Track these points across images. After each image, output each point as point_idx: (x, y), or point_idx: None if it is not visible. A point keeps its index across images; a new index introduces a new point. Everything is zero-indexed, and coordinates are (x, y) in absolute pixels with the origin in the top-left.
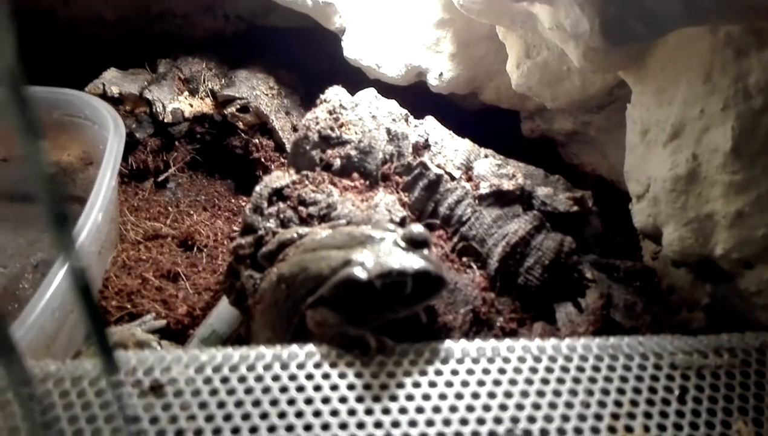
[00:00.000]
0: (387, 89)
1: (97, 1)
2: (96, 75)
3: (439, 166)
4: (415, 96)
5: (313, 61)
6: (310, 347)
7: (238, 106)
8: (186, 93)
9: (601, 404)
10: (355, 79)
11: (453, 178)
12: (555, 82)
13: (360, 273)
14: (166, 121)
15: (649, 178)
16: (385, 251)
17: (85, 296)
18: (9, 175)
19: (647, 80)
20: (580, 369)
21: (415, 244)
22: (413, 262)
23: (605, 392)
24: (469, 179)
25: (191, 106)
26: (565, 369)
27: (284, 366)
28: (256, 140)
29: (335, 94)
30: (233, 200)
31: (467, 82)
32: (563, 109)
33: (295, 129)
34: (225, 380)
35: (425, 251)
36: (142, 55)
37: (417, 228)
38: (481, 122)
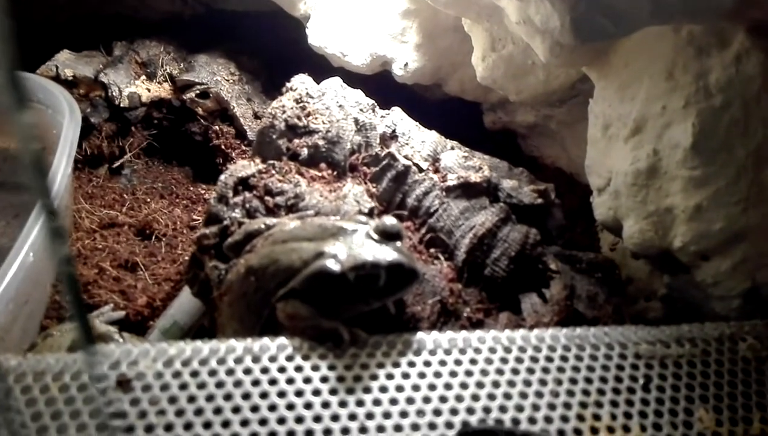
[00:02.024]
0: (351, 78)
1: None
2: (48, 57)
3: (406, 157)
4: (378, 85)
5: (275, 47)
6: (282, 339)
7: (198, 92)
8: (143, 77)
9: (570, 393)
10: (319, 65)
11: (421, 170)
12: (519, 75)
13: (333, 265)
14: (122, 105)
15: (610, 172)
16: (357, 243)
17: (72, 285)
18: None
19: (610, 76)
20: (549, 359)
21: (387, 236)
22: (386, 254)
23: (573, 381)
24: (437, 171)
25: (148, 90)
26: (534, 359)
27: (256, 359)
28: (216, 127)
29: (301, 82)
30: (192, 188)
31: (432, 73)
32: (526, 102)
33: (256, 116)
34: (195, 374)
35: (398, 244)
36: (96, 38)
37: (389, 220)
38: (444, 113)
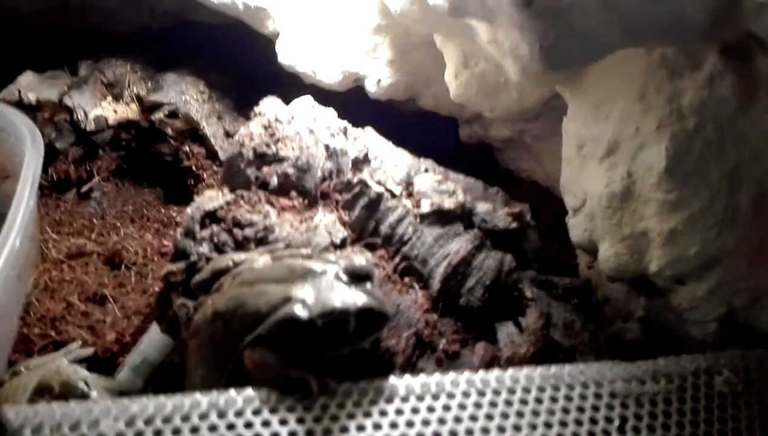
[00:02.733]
0: (324, 94)
1: None
2: (10, 76)
3: (379, 182)
4: (351, 100)
5: (245, 61)
6: (249, 391)
7: (167, 112)
8: (109, 98)
9: None
10: (291, 80)
11: (394, 196)
12: (492, 93)
13: (300, 312)
14: (88, 129)
15: (585, 193)
16: (326, 286)
17: None
18: None
19: (584, 95)
20: (523, 402)
21: (357, 277)
22: (356, 298)
23: (548, 425)
24: (410, 195)
25: (115, 112)
26: (508, 403)
27: (221, 414)
28: (187, 148)
29: (270, 106)
30: (163, 210)
31: (405, 89)
32: (500, 118)
33: (228, 134)
34: (158, 433)
35: (368, 285)
36: (61, 52)
37: (359, 260)
38: (419, 126)
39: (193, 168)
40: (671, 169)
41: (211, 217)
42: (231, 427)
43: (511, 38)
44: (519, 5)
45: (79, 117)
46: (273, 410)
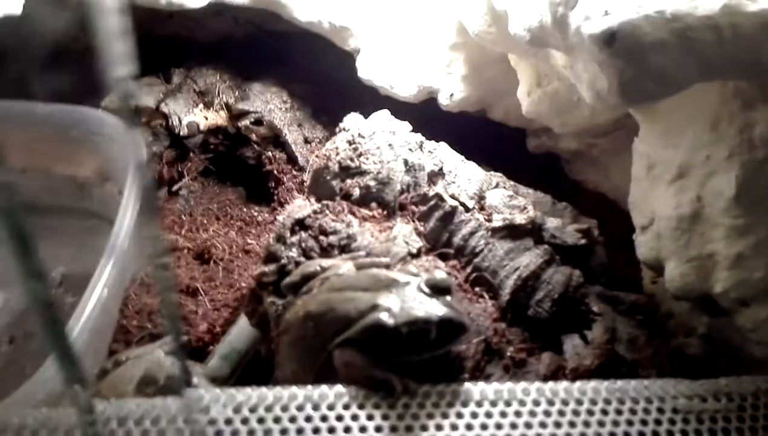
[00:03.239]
0: (397, 104)
1: None
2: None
3: (453, 196)
4: (423, 111)
5: (323, 70)
6: (339, 388)
7: (252, 120)
8: (201, 105)
9: None
10: (366, 90)
11: (467, 210)
12: (564, 111)
13: (387, 319)
14: (181, 134)
15: (653, 213)
16: (410, 296)
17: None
18: (28, 186)
19: (656, 120)
20: (590, 413)
21: (438, 290)
22: (437, 309)
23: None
24: (482, 208)
25: (206, 118)
26: (576, 413)
27: (315, 407)
28: (269, 153)
29: (353, 121)
30: (245, 209)
31: (477, 102)
32: (570, 133)
33: (306, 141)
34: (261, 420)
35: (447, 298)
36: (153, 59)
37: (440, 275)
38: (488, 136)
39: (275, 172)
40: (740, 196)
41: (300, 224)
42: (324, 419)
43: (590, 71)
44: (600, 44)
45: (174, 123)
46: (361, 406)
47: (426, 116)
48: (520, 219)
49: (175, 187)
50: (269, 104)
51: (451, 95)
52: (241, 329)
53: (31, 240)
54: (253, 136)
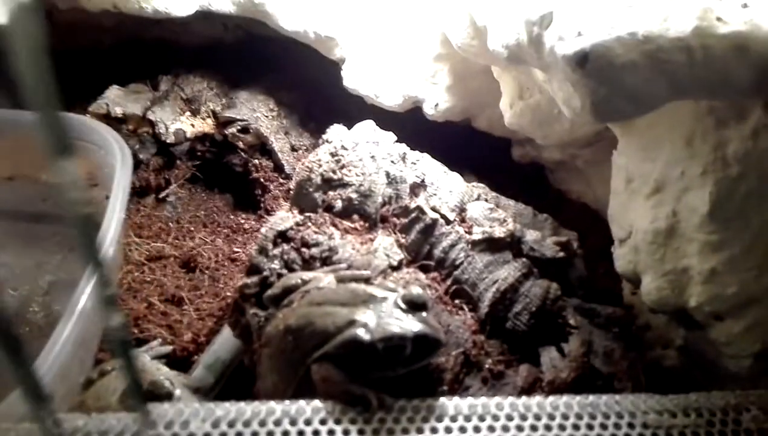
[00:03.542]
0: (382, 113)
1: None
2: (96, 86)
3: (434, 208)
4: (408, 120)
5: (310, 78)
6: (316, 402)
7: (239, 127)
8: (188, 113)
9: None
10: (352, 99)
11: (448, 222)
12: (546, 123)
13: (363, 335)
14: (168, 141)
15: (631, 226)
16: (386, 312)
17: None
18: (15, 194)
19: (633, 135)
20: (562, 427)
21: (414, 305)
22: (413, 326)
23: None
24: (463, 221)
25: (193, 126)
26: (548, 427)
27: (293, 422)
28: (256, 160)
29: (336, 133)
30: (232, 217)
31: (462, 112)
32: (553, 144)
33: (293, 148)
34: (239, 435)
35: (424, 314)
36: (139, 64)
37: (416, 290)
38: (474, 145)
39: (261, 179)
40: (714, 212)
41: (282, 236)
42: (301, 434)
43: (564, 91)
44: (573, 65)
45: (161, 130)
46: (337, 421)
47: (412, 125)
48: (499, 232)
49: (162, 195)
50: (256, 112)
51: (436, 105)
52: (226, 339)
53: None
54: (240, 144)
